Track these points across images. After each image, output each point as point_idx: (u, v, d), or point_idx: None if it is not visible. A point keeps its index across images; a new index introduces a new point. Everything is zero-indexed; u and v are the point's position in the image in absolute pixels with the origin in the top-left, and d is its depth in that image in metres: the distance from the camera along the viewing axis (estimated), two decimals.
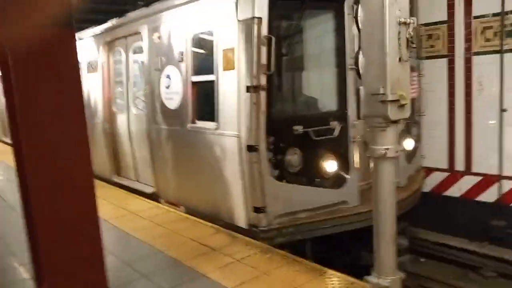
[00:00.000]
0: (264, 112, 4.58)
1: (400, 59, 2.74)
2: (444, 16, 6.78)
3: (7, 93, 2.49)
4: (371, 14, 2.75)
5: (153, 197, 6.55)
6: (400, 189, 5.76)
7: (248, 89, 4.50)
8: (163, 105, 5.97)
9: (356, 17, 4.38)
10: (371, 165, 2.98)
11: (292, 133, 4.80)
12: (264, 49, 4.42)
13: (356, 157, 5.14)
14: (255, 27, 4.36)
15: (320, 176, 5.05)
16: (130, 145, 7.22)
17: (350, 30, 4.84)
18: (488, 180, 6.70)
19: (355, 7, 4.48)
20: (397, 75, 2.74)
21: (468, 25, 6.56)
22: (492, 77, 6.39)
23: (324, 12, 5.10)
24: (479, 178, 6.81)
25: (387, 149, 2.85)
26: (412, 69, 6.01)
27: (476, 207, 6.80)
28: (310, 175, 5.01)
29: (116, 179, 7.69)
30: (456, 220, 6.98)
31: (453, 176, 7.08)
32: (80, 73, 2.64)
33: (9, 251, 4.84)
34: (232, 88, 4.74)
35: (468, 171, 6.91)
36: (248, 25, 4.43)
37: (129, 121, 7.15)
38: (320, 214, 4.96)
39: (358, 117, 5.03)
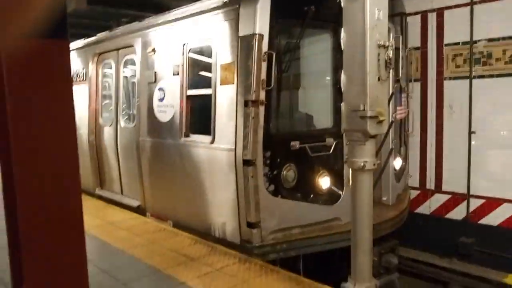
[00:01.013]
0: (262, 126, 4.59)
1: (379, 79, 2.95)
2: (417, 42, 7.17)
3: None
4: (353, 37, 2.96)
5: (139, 211, 6.47)
6: (389, 207, 5.90)
7: (247, 103, 4.53)
8: (155, 118, 5.95)
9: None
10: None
11: (289, 148, 4.82)
12: (264, 65, 4.48)
13: (349, 174, 5.20)
14: (256, 43, 4.43)
15: (315, 192, 5.07)
16: (116, 158, 7.13)
17: None
18: (456, 199, 7.02)
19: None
20: (376, 93, 2.96)
21: (440, 52, 6.96)
22: (462, 101, 6.77)
23: (322, 31, 5.24)
24: (448, 196, 7.13)
25: (366, 161, 3.04)
26: (402, 90, 6.29)
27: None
28: (304, 191, 5.02)
29: (99, 191, 7.58)
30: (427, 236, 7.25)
31: (424, 194, 7.38)
32: (72, 85, 2.72)
33: None
34: (229, 102, 4.78)
35: (438, 189, 7.22)
36: (249, 41, 4.50)
37: (117, 134, 7.08)
38: (313, 230, 4.96)
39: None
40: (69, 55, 2.66)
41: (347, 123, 3.07)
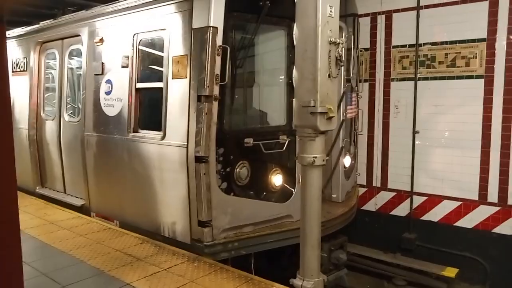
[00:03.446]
0: (215, 122, 4.47)
1: (329, 75, 2.96)
2: (367, 43, 7.37)
3: None
4: (305, 32, 2.96)
5: (83, 210, 6.15)
6: (339, 204, 5.98)
7: (200, 98, 4.39)
8: (101, 112, 5.66)
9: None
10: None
11: (242, 145, 4.74)
12: (218, 59, 4.36)
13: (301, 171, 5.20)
14: (210, 36, 4.30)
15: (267, 190, 5.03)
16: (59, 154, 6.73)
17: None
18: (401, 196, 7.30)
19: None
20: (326, 89, 2.97)
21: (388, 54, 7.20)
22: (407, 101, 7.05)
23: (277, 28, 5.18)
24: (393, 194, 7.40)
25: (315, 157, 3.04)
26: (352, 89, 6.41)
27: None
28: (257, 188, 4.97)
29: (40, 190, 7.13)
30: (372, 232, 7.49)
31: (371, 191, 7.62)
32: (7, 75, 2.51)
33: None
34: (182, 96, 4.62)
35: (384, 187, 7.47)
36: (203, 34, 4.35)
37: (60, 129, 6.68)
38: (264, 228, 4.93)
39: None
40: (4, 41, 2.44)
41: (298, 119, 3.07)
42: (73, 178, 6.51)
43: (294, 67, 3.13)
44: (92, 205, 6.04)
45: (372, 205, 7.63)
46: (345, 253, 5.72)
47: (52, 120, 6.89)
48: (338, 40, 2.99)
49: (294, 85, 3.15)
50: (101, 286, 3.94)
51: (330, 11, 2.95)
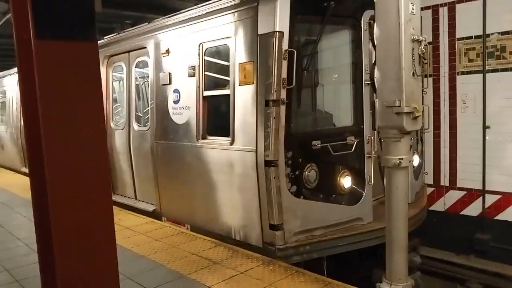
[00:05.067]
0: (283, 126, 4.49)
1: (413, 74, 2.89)
2: (429, 37, 7.12)
3: (28, 105, 2.47)
4: (387, 32, 2.90)
5: (155, 215, 6.39)
6: (409, 206, 5.85)
7: (267, 103, 4.44)
8: (170, 120, 5.86)
9: (371, 34, 4.54)
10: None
11: (310, 148, 4.74)
12: (285, 63, 4.40)
13: (371, 173, 5.10)
14: (277, 41, 4.35)
15: (336, 192, 4.99)
16: (129, 162, 7.04)
17: (367, 45, 4.96)
18: (471, 195, 6.97)
19: (371, 23, 4.62)
20: (411, 88, 2.90)
21: (452, 46, 6.91)
22: (475, 95, 6.73)
23: (341, 27, 5.16)
24: (463, 193, 7.08)
25: (401, 159, 2.98)
26: None
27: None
28: (326, 191, 4.93)
29: (112, 197, 7.50)
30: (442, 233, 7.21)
31: (438, 191, 7.33)
32: (101, 88, 2.70)
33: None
34: (249, 102, 4.69)
35: (453, 186, 7.17)
36: (269, 39, 4.41)
37: (130, 137, 6.99)
38: (335, 232, 4.88)
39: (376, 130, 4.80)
40: (98, 57, 2.63)
41: (382, 120, 3.01)
42: (143, 185, 6.77)
43: (376, 67, 3.08)
44: (163, 210, 6.25)
45: (440, 205, 7.35)
46: (419, 256, 5.54)
47: (122, 129, 7.21)
48: (420, 38, 2.92)
49: (376, 86, 3.10)
50: None
51: (412, 8, 2.88)
